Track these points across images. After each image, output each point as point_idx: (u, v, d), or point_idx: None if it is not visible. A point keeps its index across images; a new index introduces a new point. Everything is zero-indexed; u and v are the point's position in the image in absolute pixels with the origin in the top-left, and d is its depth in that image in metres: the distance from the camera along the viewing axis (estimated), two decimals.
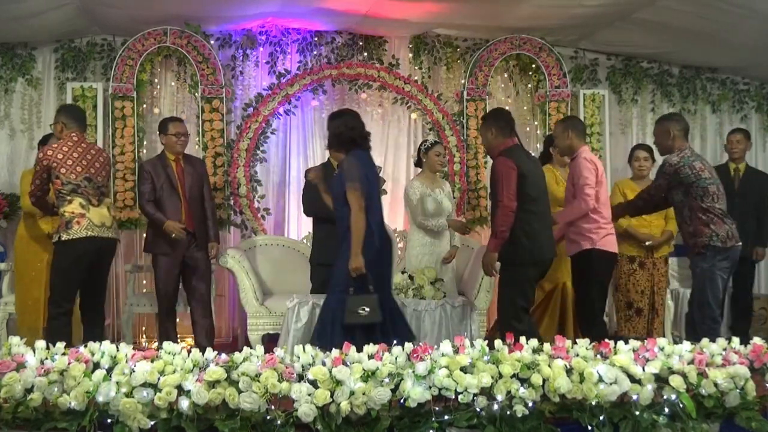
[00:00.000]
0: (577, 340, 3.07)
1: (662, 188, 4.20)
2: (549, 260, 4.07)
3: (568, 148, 4.35)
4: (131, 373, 2.59)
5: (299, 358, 2.77)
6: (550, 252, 4.04)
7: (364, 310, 3.68)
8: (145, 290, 5.71)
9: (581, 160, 4.21)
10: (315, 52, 6.14)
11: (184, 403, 2.54)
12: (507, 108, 6.38)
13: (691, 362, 2.90)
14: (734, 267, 4.18)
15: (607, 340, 3.03)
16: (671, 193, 4.18)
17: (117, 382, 2.56)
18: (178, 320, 4.91)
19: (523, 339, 3.01)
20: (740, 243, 4.13)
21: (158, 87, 6.12)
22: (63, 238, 4.09)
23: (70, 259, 4.13)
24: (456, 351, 2.84)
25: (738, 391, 2.78)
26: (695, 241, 4.07)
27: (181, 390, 2.57)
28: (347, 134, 3.92)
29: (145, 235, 5.03)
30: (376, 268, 3.81)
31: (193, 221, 4.73)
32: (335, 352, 2.82)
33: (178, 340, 4.85)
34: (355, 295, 3.71)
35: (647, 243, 5.06)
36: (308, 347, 2.83)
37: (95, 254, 4.21)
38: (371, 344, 2.92)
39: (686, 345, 3.11)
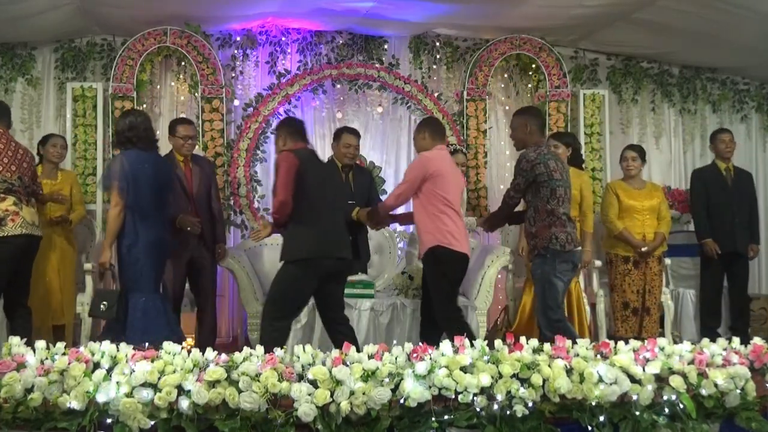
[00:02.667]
0: (577, 341, 3.07)
1: (521, 187, 4.00)
2: (335, 260, 3.88)
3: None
4: (131, 373, 2.59)
5: (299, 358, 2.77)
6: (330, 252, 3.88)
7: (104, 305, 3.87)
8: None
9: (417, 159, 4.20)
10: (315, 52, 6.15)
11: (184, 403, 2.53)
12: (508, 108, 6.44)
13: (692, 362, 2.90)
14: (576, 271, 4.08)
15: (578, 340, 3.02)
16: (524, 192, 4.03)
17: (117, 382, 2.56)
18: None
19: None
20: (579, 248, 4.06)
21: (158, 87, 6.12)
22: None
23: (4, 256, 4.10)
24: (456, 351, 2.84)
25: (738, 391, 2.77)
26: (535, 243, 3.95)
27: (181, 390, 2.56)
28: (125, 134, 4.03)
29: None
30: (146, 265, 3.95)
31: (201, 222, 4.74)
32: (335, 352, 2.82)
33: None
34: (104, 289, 3.89)
35: (643, 249, 5.06)
36: (308, 347, 2.83)
37: (26, 251, 4.21)
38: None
39: (686, 345, 3.11)
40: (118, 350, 2.78)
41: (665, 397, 2.73)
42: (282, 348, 2.91)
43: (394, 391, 2.61)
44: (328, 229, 3.86)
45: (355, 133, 5.06)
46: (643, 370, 2.79)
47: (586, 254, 5.03)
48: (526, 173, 3.92)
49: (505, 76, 6.46)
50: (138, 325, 3.86)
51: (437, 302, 4.06)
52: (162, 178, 4.11)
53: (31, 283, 4.37)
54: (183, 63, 6.01)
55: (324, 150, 6.02)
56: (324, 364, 2.70)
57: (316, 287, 3.86)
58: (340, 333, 3.92)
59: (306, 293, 3.91)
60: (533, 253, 3.99)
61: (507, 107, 6.50)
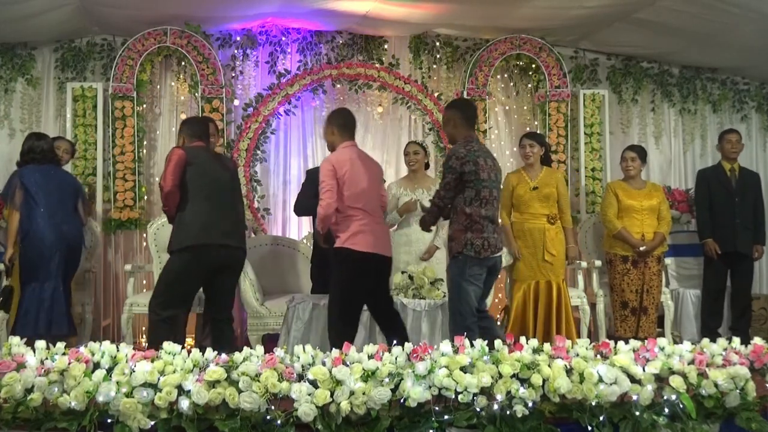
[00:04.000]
0: (577, 341, 3.07)
1: (452, 185, 3.82)
2: (219, 247, 3.90)
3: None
4: (131, 373, 2.59)
5: (299, 358, 2.77)
6: (213, 238, 3.87)
7: None
8: (145, 290, 5.71)
9: (322, 164, 4.02)
10: (315, 52, 6.15)
11: (184, 403, 2.53)
12: (508, 108, 6.44)
13: (692, 362, 2.90)
14: (494, 276, 3.94)
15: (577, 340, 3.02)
16: None
17: (117, 382, 2.56)
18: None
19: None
20: (498, 254, 3.88)
21: (158, 87, 6.12)
22: None
23: None
24: (456, 351, 2.84)
25: (738, 391, 2.77)
26: (451, 246, 3.85)
27: (181, 390, 2.57)
28: (27, 156, 4.73)
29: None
30: (44, 260, 4.56)
31: None
32: (335, 352, 2.82)
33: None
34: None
35: (641, 249, 5.06)
36: (308, 347, 2.83)
37: None
38: None
39: (686, 345, 3.11)
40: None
41: (665, 397, 2.73)
42: (170, 341, 2.89)
43: (394, 391, 2.61)
44: (213, 219, 3.90)
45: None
46: (643, 370, 2.79)
47: (572, 250, 5.01)
48: (455, 170, 3.77)
49: (505, 76, 6.46)
50: (33, 313, 4.47)
51: (330, 303, 3.97)
52: (61, 186, 4.75)
53: None
54: (183, 63, 6.01)
55: (324, 150, 6.03)
56: (324, 364, 2.70)
57: (203, 278, 3.92)
58: (219, 330, 4.00)
59: (191, 283, 3.94)
60: (449, 255, 3.90)
61: (507, 107, 6.50)
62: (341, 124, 4.07)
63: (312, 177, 4.81)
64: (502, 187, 5.06)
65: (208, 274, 3.92)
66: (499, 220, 5.26)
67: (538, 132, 6.22)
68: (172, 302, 3.87)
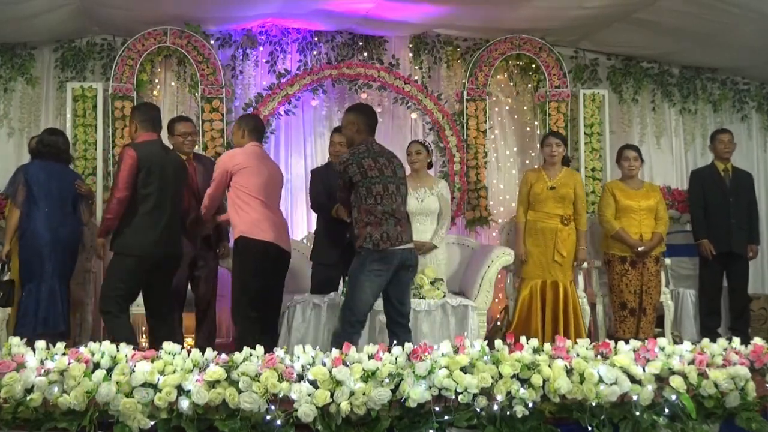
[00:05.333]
0: (578, 341, 3.07)
1: (343, 187, 3.90)
2: (158, 256, 4.01)
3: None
4: (131, 373, 2.59)
5: (299, 358, 2.77)
6: (160, 248, 4.00)
7: None
8: None
9: (219, 157, 4.25)
10: (315, 52, 6.15)
11: (184, 403, 2.54)
12: (508, 108, 6.44)
13: (692, 363, 2.90)
14: (408, 271, 3.89)
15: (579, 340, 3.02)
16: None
17: (117, 382, 2.56)
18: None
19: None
20: (403, 247, 3.80)
21: (158, 87, 6.11)
22: None
23: None
24: (456, 351, 2.84)
25: (738, 391, 2.78)
26: (355, 243, 3.86)
27: (181, 390, 2.57)
28: (36, 148, 4.74)
29: None
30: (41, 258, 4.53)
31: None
32: (335, 352, 2.82)
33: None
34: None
35: (639, 249, 5.05)
36: (308, 347, 2.83)
37: None
38: None
39: (686, 345, 3.11)
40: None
41: (665, 398, 2.73)
42: (127, 341, 2.97)
43: (394, 391, 2.62)
44: (155, 229, 3.97)
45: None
46: (644, 370, 2.79)
47: (581, 252, 5.05)
48: (341, 174, 3.86)
49: (505, 76, 6.45)
50: (31, 311, 4.48)
51: (232, 294, 4.08)
52: (62, 185, 4.71)
53: None
54: (183, 63, 6.01)
55: (324, 150, 6.03)
56: (324, 364, 2.70)
57: (144, 278, 4.01)
58: (158, 328, 4.12)
59: (132, 284, 4.01)
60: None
61: (507, 107, 6.50)
62: (252, 128, 4.27)
63: (316, 175, 4.86)
64: (519, 184, 5.11)
65: (150, 276, 4.05)
66: (511, 219, 5.29)
67: (538, 132, 6.23)
68: (113, 303, 3.99)
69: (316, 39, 6.16)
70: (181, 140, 4.72)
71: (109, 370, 2.65)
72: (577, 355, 2.86)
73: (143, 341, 5.82)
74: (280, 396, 2.56)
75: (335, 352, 2.82)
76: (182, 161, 4.41)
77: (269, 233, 4.07)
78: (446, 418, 2.60)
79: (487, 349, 2.86)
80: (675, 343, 3.19)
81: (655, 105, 6.61)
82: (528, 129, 6.45)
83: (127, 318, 4.04)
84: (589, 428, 2.65)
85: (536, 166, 5.49)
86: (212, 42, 5.94)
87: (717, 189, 5.44)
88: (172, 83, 6.11)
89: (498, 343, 2.92)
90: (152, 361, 2.68)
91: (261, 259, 4.07)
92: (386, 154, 3.96)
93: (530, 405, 2.62)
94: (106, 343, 2.84)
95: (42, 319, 4.54)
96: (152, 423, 2.52)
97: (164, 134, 5.88)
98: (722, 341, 3.17)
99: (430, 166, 5.18)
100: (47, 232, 4.60)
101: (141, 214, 3.96)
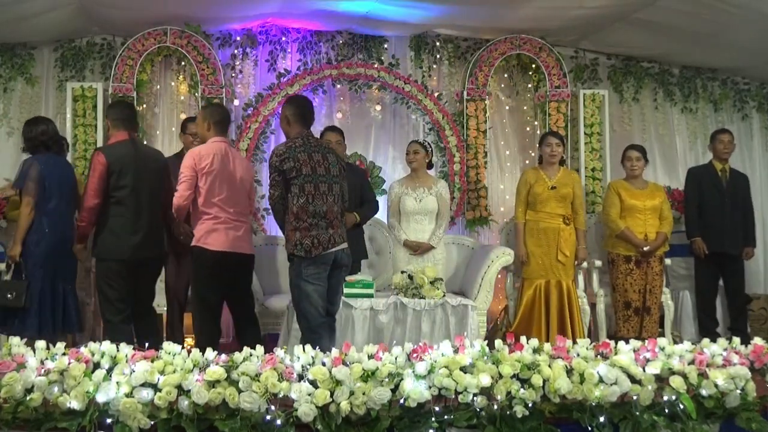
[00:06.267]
0: (578, 340, 3.07)
1: (276, 183, 3.72)
2: (140, 258, 4.04)
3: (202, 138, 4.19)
4: (131, 373, 2.59)
5: (299, 358, 2.77)
6: (142, 250, 4.04)
7: (12, 294, 4.18)
8: None
9: (185, 155, 4.08)
10: (315, 52, 6.15)
11: (184, 403, 2.53)
12: (508, 108, 6.44)
13: (692, 363, 2.90)
14: (341, 270, 3.84)
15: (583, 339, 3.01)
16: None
17: (117, 382, 2.56)
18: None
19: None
20: (335, 248, 3.70)
21: (158, 87, 6.11)
22: None
23: None
24: (456, 351, 2.84)
25: (738, 391, 2.78)
26: (286, 246, 3.77)
27: (181, 390, 2.57)
28: (39, 138, 4.43)
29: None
30: (52, 258, 4.32)
31: None
32: (335, 351, 2.82)
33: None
34: (12, 280, 4.24)
35: (644, 249, 5.06)
36: (308, 347, 2.83)
37: None
38: None
39: (686, 345, 3.11)
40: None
41: (665, 398, 2.73)
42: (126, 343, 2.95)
43: (394, 391, 2.61)
44: (129, 233, 4.00)
45: (336, 130, 5.08)
46: (644, 370, 2.79)
47: (581, 251, 5.07)
48: (275, 168, 3.69)
49: (505, 76, 6.45)
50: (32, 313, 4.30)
51: (192, 305, 4.11)
52: (68, 180, 4.50)
53: None
54: (183, 63, 6.01)
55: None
56: (324, 364, 2.70)
57: (131, 279, 4.05)
58: (140, 327, 4.12)
59: (122, 285, 4.03)
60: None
61: (507, 107, 6.50)
62: (217, 121, 4.12)
63: None
64: (519, 184, 5.12)
65: (136, 277, 4.08)
66: (511, 219, 5.29)
67: (538, 132, 6.23)
68: (111, 309, 4.03)
69: (316, 39, 6.16)
70: (191, 139, 4.79)
71: (109, 370, 2.65)
72: (577, 355, 2.86)
73: None
74: (280, 396, 2.56)
75: (335, 351, 2.82)
76: (159, 157, 4.38)
77: (224, 242, 3.97)
78: (446, 417, 2.60)
79: (487, 349, 2.86)
80: (675, 343, 3.19)
81: (657, 104, 6.60)
82: (528, 129, 6.45)
83: (127, 328, 4.02)
84: (589, 428, 2.65)
85: (534, 166, 5.49)
86: (212, 42, 5.94)
87: (713, 189, 5.44)
88: (172, 83, 6.12)
89: (498, 343, 2.92)
90: (152, 361, 2.68)
91: (217, 271, 3.99)
92: (322, 149, 3.83)
93: (530, 405, 2.62)
94: (106, 343, 2.84)
95: (51, 320, 4.40)
96: (152, 423, 2.52)
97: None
98: (722, 341, 3.17)
99: (430, 166, 5.18)
100: (57, 229, 4.44)
101: (118, 217, 3.97)
